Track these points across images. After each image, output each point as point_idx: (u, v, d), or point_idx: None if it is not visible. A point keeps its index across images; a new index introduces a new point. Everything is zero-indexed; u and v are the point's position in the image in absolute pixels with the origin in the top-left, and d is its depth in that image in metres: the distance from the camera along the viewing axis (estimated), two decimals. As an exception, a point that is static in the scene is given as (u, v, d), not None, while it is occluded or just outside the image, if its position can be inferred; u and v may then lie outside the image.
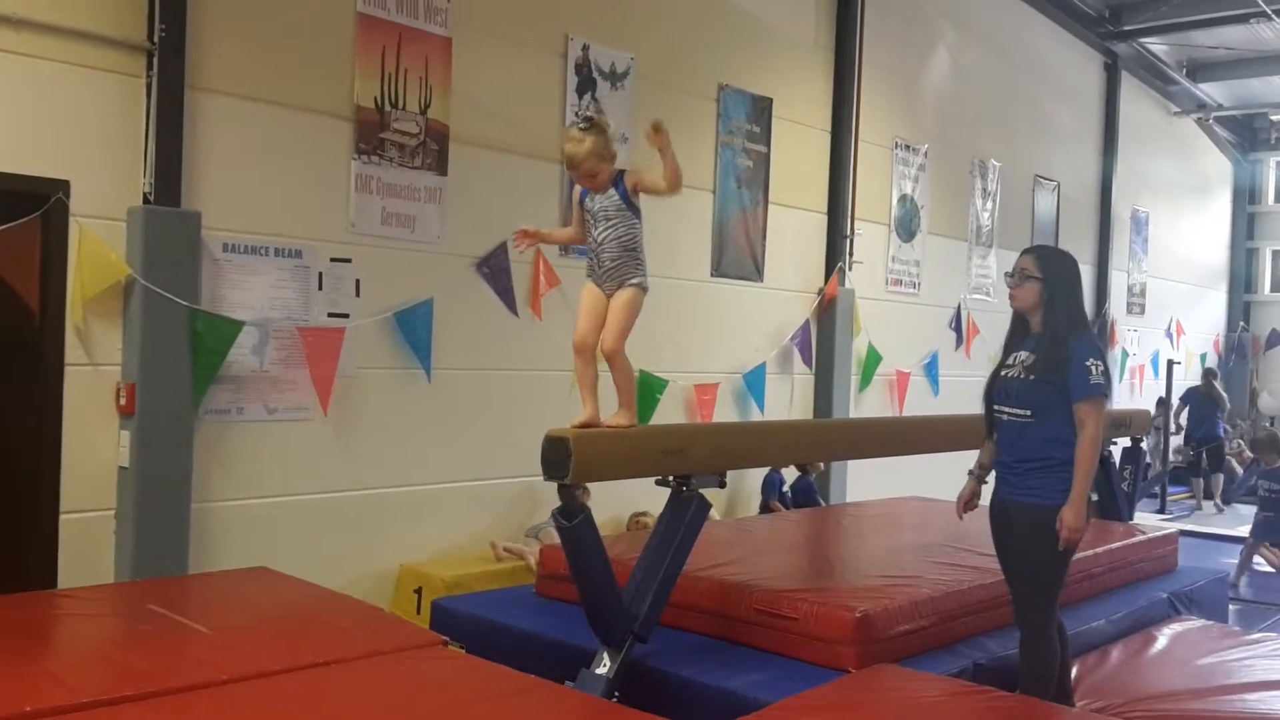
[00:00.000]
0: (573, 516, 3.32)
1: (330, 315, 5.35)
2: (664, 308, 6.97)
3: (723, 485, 3.78)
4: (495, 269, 6.05)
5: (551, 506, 5.70)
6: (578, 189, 3.72)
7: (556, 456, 3.19)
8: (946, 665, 3.72)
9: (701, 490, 3.68)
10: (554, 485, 3.39)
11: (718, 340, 7.36)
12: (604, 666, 3.42)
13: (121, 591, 4.06)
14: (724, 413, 7.27)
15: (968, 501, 3.94)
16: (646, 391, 6.81)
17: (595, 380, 3.71)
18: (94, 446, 4.56)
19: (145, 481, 4.56)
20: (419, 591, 5.36)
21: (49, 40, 4.41)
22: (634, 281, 3.66)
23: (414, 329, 5.66)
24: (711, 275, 7.33)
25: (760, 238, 7.68)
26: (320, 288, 5.32)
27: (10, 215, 4.30)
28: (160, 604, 3.66)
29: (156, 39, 4.65)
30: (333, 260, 5.36)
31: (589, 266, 3.76)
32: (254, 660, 3.03)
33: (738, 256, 7.52)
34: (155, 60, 4.66)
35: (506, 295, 6.10)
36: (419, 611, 5.15)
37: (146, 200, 4.66)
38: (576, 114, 3.85)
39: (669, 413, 6.86)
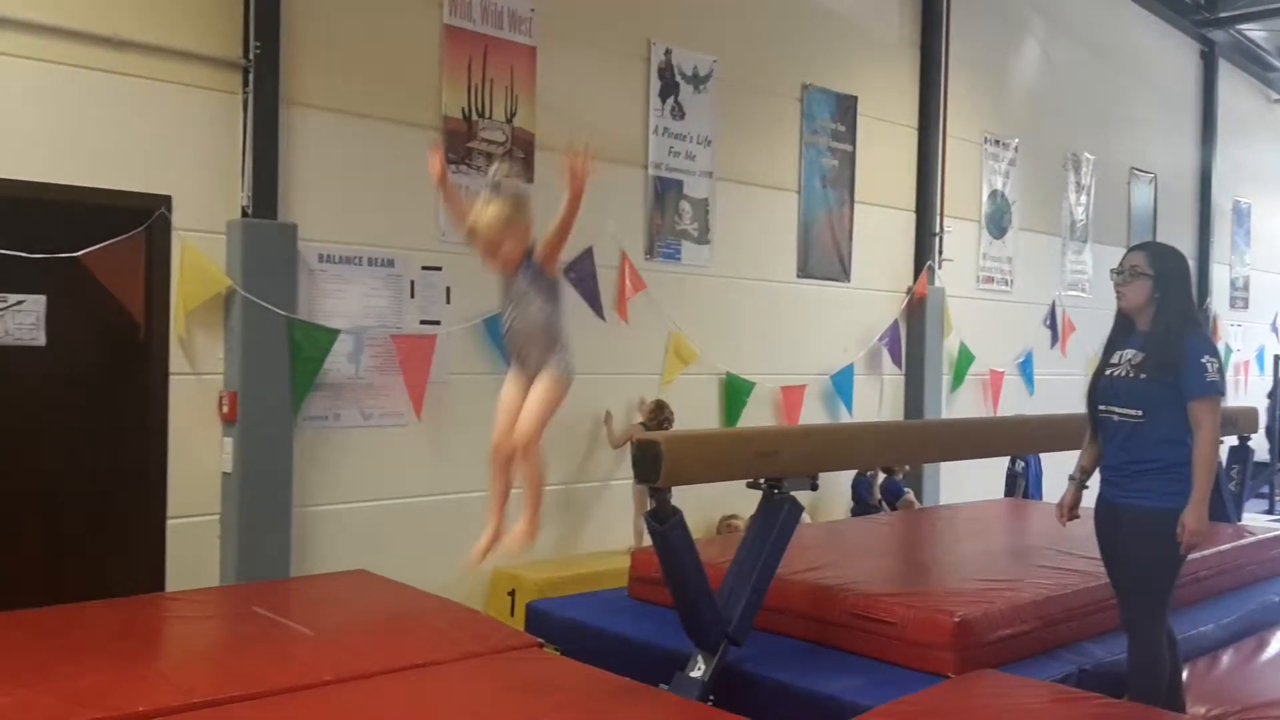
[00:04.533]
0: (665, 519, 3.32)
1: (422, 322, 5.43)
2: (749, 309, 6.94)
3: (815, 488, 3.74)
4: (581, 274, 6.08)
5: (642, 510, 5.77)
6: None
7: (648, 460, 3.19)
8: (1050, 671, 3.63)
9: (793, 493, 3.65)
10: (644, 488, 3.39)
11: (804, 341, 7.30)
12: (698, 670, 3.41)
13: (227, 594, 4.17)
14: (811, 415, 7.21)
15: (1070, 509, 3.83)
16: (733, 394, 6.80)
17: (507, 491, 3.21)
18: (198, 453, 4.69)
19: (248, 486, 4.69)
20: (512, 594, 5.41)
21: (151, 60, 4.56)
22: (553, 367, 3.09)
23: (502, 334, 5.70)
24: (797, 276, 7.28)
25: (847, 237, 7.60)
26: (412, 296, 5.41)
27: (116, 231, 4.44)
28: (264, 606, 3.75)
29: (251, 56, 4.77)
30: (424, 269, 5.45)
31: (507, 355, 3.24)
32: (356, 661, 3.09)
33: (824, 257, 7.45)
34: (251, 77, 4.79)
35: (593, 300, 6.13)
36: (512, 614, 5.19)
37: (245, 213, 4.79)
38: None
39: (755, 416, 6.83)
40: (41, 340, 4.38)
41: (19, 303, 4.32)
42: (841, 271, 7.57)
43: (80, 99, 4.40)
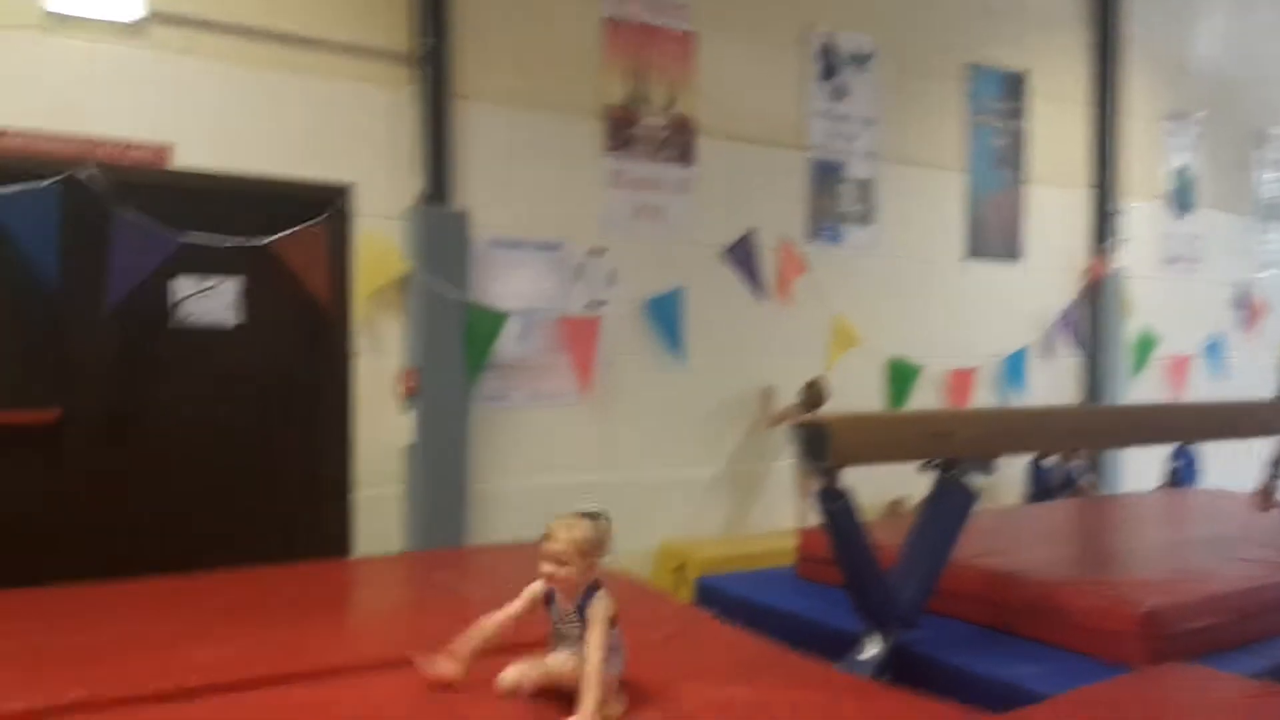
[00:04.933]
0: (834, 500, 3.29)
1: (587, 305, 5.53)
2: (915, 292, 6.81)
3: (991, 471, 3.65)
4: (742, 256, 6.09)
5: (805, 492, 5.74)
6: (538, 587, 2.68)
7: (816, 441, 3.17)
8: (1245, 666, 3.44)
9: (968, 477, 3.56)
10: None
11: (975, 324, 7.11)
12: (871, 651, 3.38)
13: (408, 561, 4.35)
14: (982, 399, 7.03)
15: (1269, 497, 3.63)
16: (899, 378, 6.68)
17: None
18: (381, 429, 4.91)
19: (427, 461, 4.88)
20: (679, 570, 5.47)
21: (331, 58, 4.79)
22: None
23: (666, 316, 5.78)
24: (966, 257, 7.10)
25: (1018, 217, 7.37)
26: (578, 278, 5.52)
27: (301, 218, 4.68)
28: (443, 573, 3.90)
29: (423, 51, 4.95)
30: (589, 252, 5.55)
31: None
32: (531, 627, 3.17)
33: (994, 237, 7.25)
34: (422, 71, 4.96)
35: (754, 282, 6.13)
36: (679, 590, 5.25)
37: (420, 201, 4.97)
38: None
39: (922, 401, 6.70)
40: (236, 321, 4.65)
41: (216, 286, 4.60)
42: (1013, 252, 7.34)
43: (268, 95, 4.66)
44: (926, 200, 6.90)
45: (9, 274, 4.13)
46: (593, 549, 2.62)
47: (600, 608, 2.60)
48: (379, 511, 4.91)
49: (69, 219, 4.15)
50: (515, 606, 2.70)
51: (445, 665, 2.62)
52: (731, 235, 6.04)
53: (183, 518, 4.51)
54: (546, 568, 2.59)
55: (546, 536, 2.60)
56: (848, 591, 3.46)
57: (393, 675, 2.78)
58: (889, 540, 3.68)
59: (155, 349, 4.49)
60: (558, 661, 2.63)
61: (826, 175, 6.45)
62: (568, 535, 2.59)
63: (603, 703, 2.50)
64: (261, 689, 2.69)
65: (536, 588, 2.68)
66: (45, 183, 4.08)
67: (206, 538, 4.52)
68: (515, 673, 2.62)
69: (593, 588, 2.62)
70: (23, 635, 2.97)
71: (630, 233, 5.69)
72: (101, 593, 3.49)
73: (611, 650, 2.60)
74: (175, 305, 4.52)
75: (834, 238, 6.49)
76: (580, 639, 2.60)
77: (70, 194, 4.15)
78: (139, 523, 4.42)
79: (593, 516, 2.65)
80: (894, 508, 6.11)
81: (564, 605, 2.64)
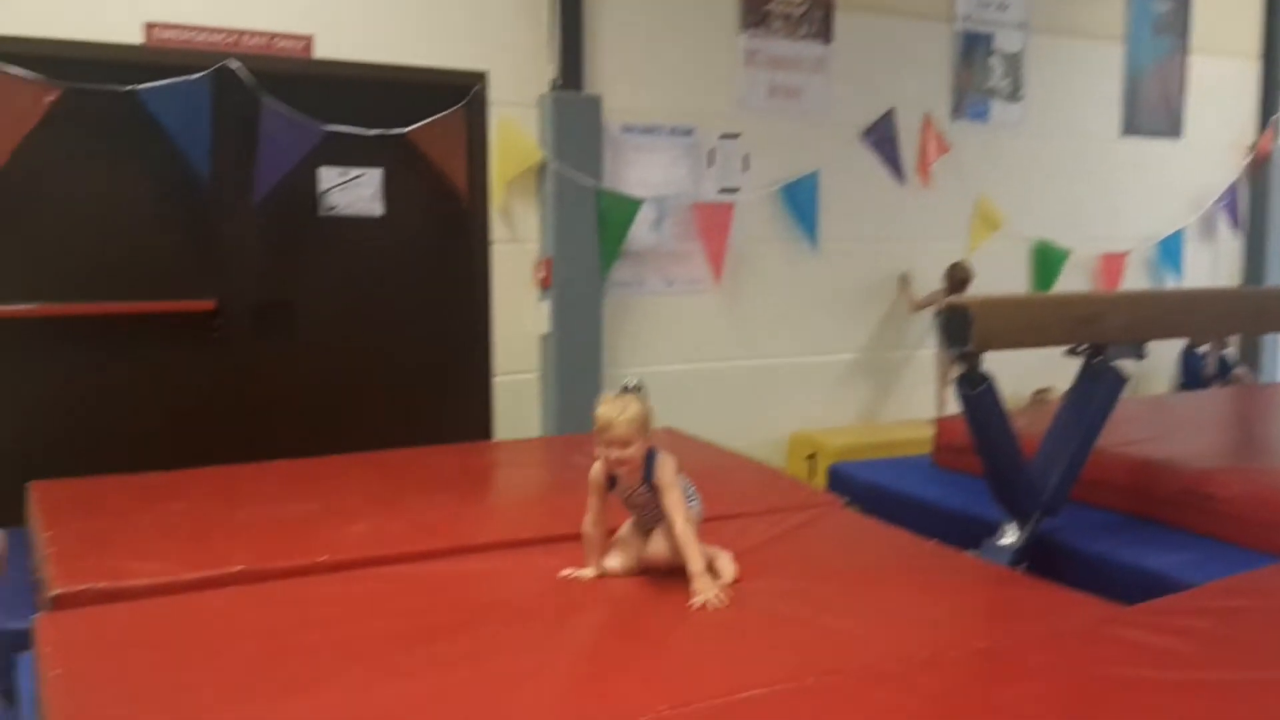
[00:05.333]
0: (975, 385, 3.22)
1: (720, 190, 5.47)
2: (1065, 171, 6.51)
3: (1141, 357, 3.51)
4: (882, 137, 5.90)
5: (945, 379, 5.64)
6: (598, 471, 2.71)
7: (958, 324, 3.09)
8: None
9: (1117, 363, 3.44)
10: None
11: (1128, 204, 6.78)
12: (1009, 538, 3.34)
13: (547, 445, 4.48)
14: (1134, 284, 6.74)
15: None
16: (1045, 262, 6.45)
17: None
18: (518, 315, 5.01)
19: (563, 348, 4.97)
20: (811, 458, 5.48)
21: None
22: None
23: (800, 201, 5.67)
24: (1122, 134, 6.73)
25: (1179, 90, 6.93)
26: (711, 164, 5.45)
27: (439, 107, 4.72)
28: (581, 456, 3.99)
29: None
30: (722, 136, 5.46)
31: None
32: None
33: (1152, 111, 6.83)
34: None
35: (894, 164, 5.95)
36: (811, 477, 5.27)
37: (554, 87, 4.95)
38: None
39: (1070, 286, 6.46)
40: (379, 211, 4.76)
41: (359, 176, 4.70)
42: (1172, 127, 6.92)
43: (406, -20, 4.66)
44: (1080, 73, 6.53)
45: (165, 168, 4.30)
46: (647, 422, 2.63)
47: (665, 470, 2.64)
48: (517, 397, 5.04)
49: (219, 112, 4.28)
50: (594, 504, 2.73)
51: (586, 571, 2.72)
52: (871, 115, 5.86)
53: (330, 401, 4.72)
54: (613, 454, 2.60)
55: (604, 426, 2.59)
56: (987, 479, 3.40)
57: (533, 553, 2.89)
58: (1030, 428, 3.60)
59: (303, 239, 4.64)
60: (649, 547, 2.72)
61: (973, 48, 6.15)
62: (625, 417, 2.58)
63: (705, 560, 2.62)
64: (409, 563, 2.83)
65: (597, 476, 2.71)
66: (196, 76, 4.21)
67: (353, 421, 4.72)
68: (610, 564, 2.73)
69: (650, 456, 2.65)
70: (187, 512, 3.17)
71: (765, 115, 5.56)
72: (257, 472, 3.70)
73: (689, 500, 2.70)
74: (321, 196, 4.65)
75: (979, 115, 6.22)
76: (651, 504, 2.68)
77: (220, 86, 4.27)
78: (289, 406, 4.64)
79: (634, 390, 2.66)
80: (1038, 397, 5.96)
81: (627, 481, 2.68)
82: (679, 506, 2.64)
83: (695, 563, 2.59)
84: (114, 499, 3.26)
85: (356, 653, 2.27)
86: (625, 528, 2.80)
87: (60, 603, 2.51)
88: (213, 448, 4.28)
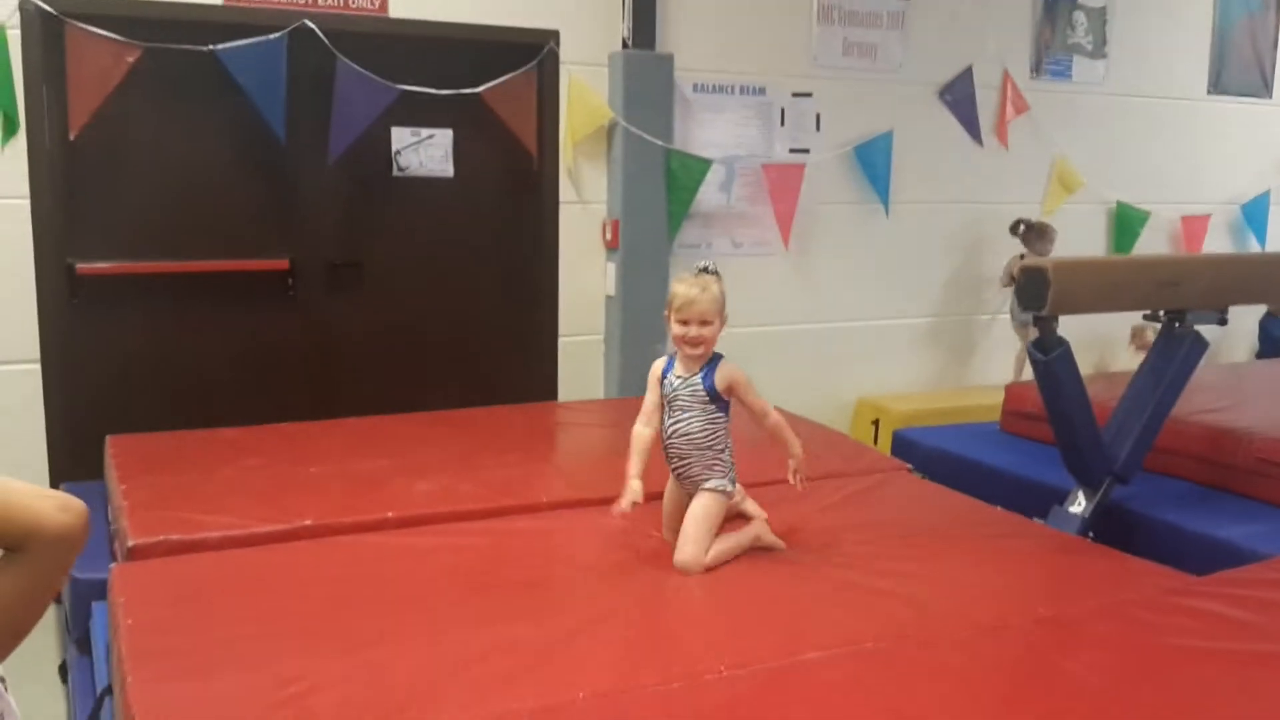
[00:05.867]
0: (1050, 350, 3.16)
1: (791, 151, 5.40)
2: (1147, 131, 6.32)
3: (1223, 322, 3.41)
4: (958, 96, 5.77)
5: (1015, 347, 5.55)
6: (658, 365, 2.71)
7: (1034, 286, 3.03)
8: None
9: (1198, 328, 3.35)
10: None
11: (1212, 166, 6.56)
12: (1078, 505, 3.29)
13: (611, 406, 4.49)
14: (1216, 248, 6.53)
15: None
16: (1124, 225, 6.28)
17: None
18: (585, 277, 5.01)
19: (629, 309, 4.97)
20: (876, 423, 5.43)
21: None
22: (712, 485, 2.63)
23: (873, 162, 5.58)
24: (1208, 92, 6.50)
25: (1271, 46, 6.66)
26: (782, 124, 5.38)
27: (511, 66, 4.72)
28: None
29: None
30: (794, 95, 5.38)
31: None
32: (732, 473, 3.24)
33: (1242, 69, 6.59)
34: (630, -91, 4.83)
35: (970, 124, 5.82)
36: (876, 443, 5.23)
37: (625, 45, 4.91)
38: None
39: (1151, 249, 6.29)
40: (450, 172, 4.79)
41: (430, 137, 4.73)
42: (1262, 85, 6.67)
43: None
44: (1167, 29, 6.31)
45: (242, 128, 4.37)
46: (724, 304, 2.61)
47: (738, 372, 2.62)
48: (582, 359, 5.06)
49: (295, 72, 4.32)
50: (651, 401, 2.68)
51: (628, 497, 2.58)
52: (948, 73, 5.73)
53: (399, 360, 4.79)
54: (691, 331, 2.55)
55: (687, 302, 2.54)
56: (1058, 446, 3.35)
57: (597, 512, 2.91)
58: (1105, 395, 3.53)
59: (375, 200, 4.70)
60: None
61: (1056, 4, 5.97)
62: (709, 294, 2.55)
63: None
64: (475, 520, 2.88)
65: (656, 367, 2.70)
66: (274, 36, 4.26)
67: (421, 379, 4.79)
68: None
69: (715, 357, 2.62)
70: (259, 468, 3.25)
71: (839, 73, 5.47)
72: (327, 429, 3.78)
73: (727, 475, 2.65)
74: (394, 156, 4.69)
75: (1060, 73, 6.05)
76: (692, 405, 2.61)
77: (296, 46, 4.31)
78: (360, 365, 4.71)
79: (712, 272, 2.62)
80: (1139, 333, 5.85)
81: (681, 372, 2.63)
82: (764, 403, 2.67)
83: (796, 448, 2.71)
84: (188, 454, 3.36)
85: (422, 606, 2.32)
86: (667, 496, 2.74)
87: (135, 554, 2.60)
88: (285, 405, 4.38)
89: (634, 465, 2.63)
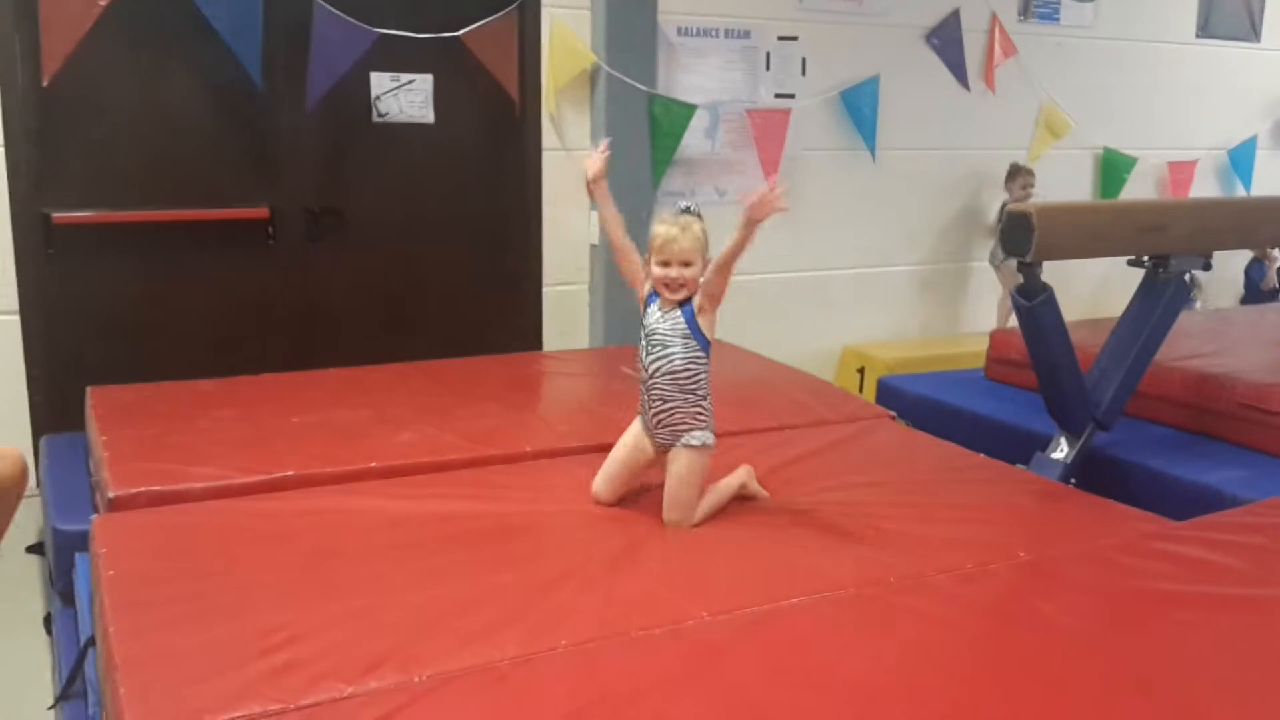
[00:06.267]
0: (1033, 296, 3.16)
1: (777, 96, 5.35)
2: (1135, 76, 6.27)
3: (1208, 268, 3.41)
4: (946, 40, 5.71)
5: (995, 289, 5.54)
6: (644, 288, 2.65)
7: (1018, 232, 3.01)
8: None
9: (1182, 273, 3.35)
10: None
11: (1199, 111, 6.53)
12: (1060, 451, 3.30)
13: (596, 355, 4.49)
14: (1203, 194, 6.52)
15: None
16: (1110, 171, 6.26)
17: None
18: (568, 225, 4.97)
19: (612, 258, 4.92)
20: (861, 371, 5.44)
21: None
22: (694, 441, 2.55)
23: (859, 107, 5.53)
24: (1196, 36, 6.45)
25: (1263, -11, 6.61)
26: (767, 68, 5.32)
27: (492, 9, 4.64)
28: (629, 367, 3.99)
29: None
30: (779, 39, 5.31)
31: (640, 403, 2.67)
32: (716, 421, 3.24)
33: (1231, 13, 6.53)
34: None
35: (958, 68, 5.76)
36: (861, 391, 5.23)
37: (606, -14, 4.83)
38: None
39: (1138, 195, 6.27)
40: (430, 117, 4.72)
41: (410, 82, 4.66)
42: (1250, 30, 6.62)
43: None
44: (1155, -31, 6.26)
45: (218, 74, 4.29)
46: (707, 244, 2.54)
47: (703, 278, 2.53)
48: (566, 307, 5.03)
49: (271, 15, 4.24)
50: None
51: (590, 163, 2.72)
52: (935, 17, 5.66)
53: (381, 310, 4.75)
54: (672, 273, 2.49)
55: (667, 241, 2.48)
56: (1042, 391, 3.36)
57: (578, 462, 2.91)
58: (1088, 341, 3.54)
59: (355, 146, 4.63)
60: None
61: (1044, -54, 5.91)
62: (690, 234, 2.49)
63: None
64: (456, 470, 2.87)
65: (641, 290, 2.63)
66: (247, -21, 4.17)
67: (404, 329, 4.76)
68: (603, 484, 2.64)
69: (696, 303, 2.54)
70: (240, 418, 3.23)
71: (825, 17, 5.39)
72: (309, 379, 3.74)
73: (705, 431, 2.57)
74: (373, 103, 4.62)
75: (1049, 16, 5.98)
76: (673, 339, 2.54)
77: (270, -10, 4.23)
78: (341, 314, 4.68)
79: (694, 212, 2.57)
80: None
81: (664, 305, 2.57)
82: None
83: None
84: (169, 404, 3.33)
85: (405, 556, 2.32)
86: (616, 448, 2.65)
87: (116, 505, 2.59)
88: (267, 355, 4.35)
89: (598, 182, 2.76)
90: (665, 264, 2.51)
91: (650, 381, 2.60)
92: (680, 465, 2.55)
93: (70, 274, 4.21)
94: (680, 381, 2.56)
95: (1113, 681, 1.86)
